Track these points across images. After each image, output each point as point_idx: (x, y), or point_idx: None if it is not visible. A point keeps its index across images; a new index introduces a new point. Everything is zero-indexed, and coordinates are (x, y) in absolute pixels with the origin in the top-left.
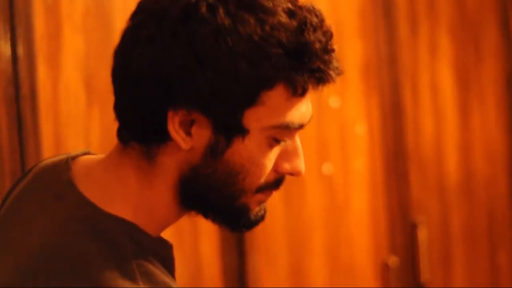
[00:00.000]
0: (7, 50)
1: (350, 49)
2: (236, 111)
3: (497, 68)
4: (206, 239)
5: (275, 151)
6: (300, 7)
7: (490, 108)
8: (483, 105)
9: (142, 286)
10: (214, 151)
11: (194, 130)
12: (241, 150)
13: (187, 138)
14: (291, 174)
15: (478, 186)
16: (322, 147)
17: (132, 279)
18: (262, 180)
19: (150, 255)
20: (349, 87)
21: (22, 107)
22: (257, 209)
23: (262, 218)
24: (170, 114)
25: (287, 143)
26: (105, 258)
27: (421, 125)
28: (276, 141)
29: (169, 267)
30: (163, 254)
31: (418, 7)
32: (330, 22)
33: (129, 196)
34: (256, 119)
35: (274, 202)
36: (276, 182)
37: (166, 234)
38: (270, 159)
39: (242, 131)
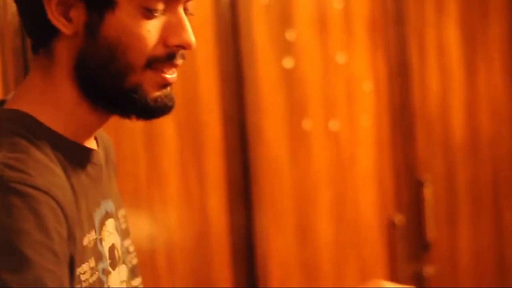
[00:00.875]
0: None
1: (356, 4)
2: None
3: (503, 26)
4: (214, 196)
5: (154, 23)
6: None
7: (496, 66)
8: (489, 63)
9: (7, 154)
10: (90, 30)
11: (72, 14)
12: (114, 24)
13: (68, 24)
14: (182, 47)
15: (484, 144)
16: (329, 104)
17: (3, 152)
18: (147, 52)
19: (37, 139)
20: (355, 43)
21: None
22: (156, 93)
23: (166, 106)
24: (45, 1)
25: (170, 17)
26: None
27: (427, 83)
28: (149, 11)
29: (72, 161)
30: (62, 145)
31: None
32: None
33: (32, 93)
34: None
35: (281, 158)
36: (168, 57)
37: (174, 192)
38: (148, 30)
39: (110, 4)
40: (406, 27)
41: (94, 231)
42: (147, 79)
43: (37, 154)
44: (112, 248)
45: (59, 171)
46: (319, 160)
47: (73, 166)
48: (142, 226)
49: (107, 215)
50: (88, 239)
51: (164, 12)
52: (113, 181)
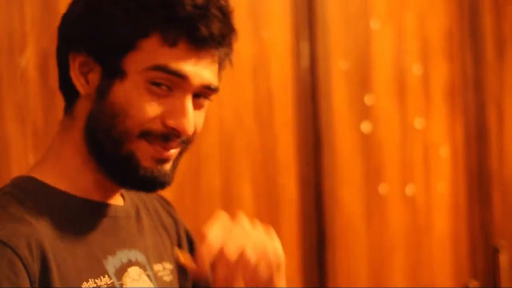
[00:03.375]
0: None
1: (435, 70)
2: (117, 55)
3: None
4: (288, 259)
5: (157, 99)
6: None
7: None
8: None
9: None
10: (100, 94)
11: (90, 76)
12: (120, 92)
13: (85, 84)
14: (176, 130)
15: None
16: (406, 169)
17: None
18: (143, 123)
19: (26, 195)
20: (434, 109)
21: None
22: (148, 164)
23: (156, 181)
24: (70, 58)
25: (175, 100)
26: None
27: (505, 149)
28: (155, 84)
29: (68, 213)
30: (60, 200)
31: (505, 29)
32: (416, 42)
33: (49, 154)
34: (133, 62)
35: (356, 222)
36: (162, 136)
37: None
38: (150, 104)
39: (121, 73)
40: (484, 93)
41: (107, 276)
42: (141, 149)
43: (14, 207)
44: None
45: (37, 222)
46: (394, 224)
47: (71, 218)
48: None
49: (130, 264)
50: (93, 283)
51: (172, 94)
52: (149, 236)
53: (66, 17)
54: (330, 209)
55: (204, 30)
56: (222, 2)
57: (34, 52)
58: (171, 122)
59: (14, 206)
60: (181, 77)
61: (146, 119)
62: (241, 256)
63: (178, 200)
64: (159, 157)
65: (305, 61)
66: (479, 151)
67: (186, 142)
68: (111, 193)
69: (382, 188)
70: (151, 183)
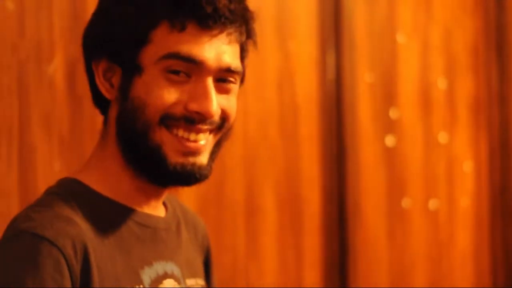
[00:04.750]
0: None
1: (460, 84)
2: (133, 53)
3: None
4: (310, 272)
5: (177, 86)
6: None
7: None
8: None
9: (34, 207)
10: (123, 93)
11: (114, 80)
12: (140, 87)
13: (111, 89)
14: (200, 113)
15: None
16: (429, 183)
17: (32, 206)
18: (163, 109)
19: (72, 197)
20: (458, 123)
21: None
22: (177, 159)
23: (189, 175)
24: (94, 67)
25: (196, 84)
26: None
27: None
28: (173, 72)
29: (109, 218)
30: (102, 205)
31: None
32: (442, 56)
33: (91, 162)
34: (148, 56)
35: (379, 236)
36: (185, 118)
37: (271, 265)
38: (169, 91)
39: (138, 69)
40: (509, 108)
41: (142, 287)
42: (167, 143)
43: (61, 207)
44: None
45: (83, 224)
46: (417, 238)
47: (112, 223)
48: None
49: (165, 276)
50: None
51: (191, 80)
52: (186, 251)
53: (86, 29)
54: (353, 222)
55: (208, 8)
56: None
57: (62, 60)
58: (194, 106)
59: (60, 206)
60: (195, 62)
61: (165, 105)
62: None
63: (201, 211)
64: (185, 150)
65: (330, 74)
66: (503, 166)
67: (219, 127)
68: (152, 202)
69: (405, 202)
70: (185, 177)
